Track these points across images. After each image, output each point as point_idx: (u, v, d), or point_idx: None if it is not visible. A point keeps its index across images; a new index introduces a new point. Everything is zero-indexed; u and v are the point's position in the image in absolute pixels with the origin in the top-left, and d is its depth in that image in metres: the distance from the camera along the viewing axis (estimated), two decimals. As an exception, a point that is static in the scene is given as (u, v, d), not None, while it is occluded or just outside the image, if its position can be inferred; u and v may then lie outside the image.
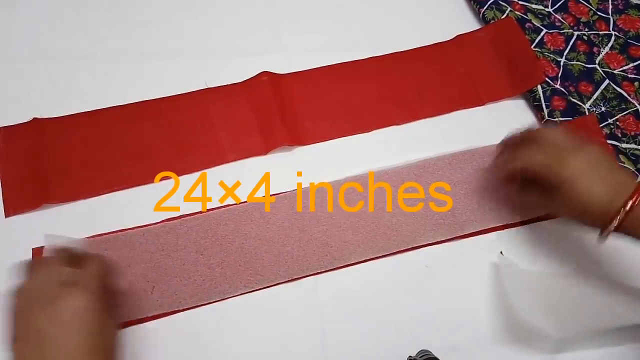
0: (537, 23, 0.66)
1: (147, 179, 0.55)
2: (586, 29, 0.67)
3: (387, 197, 0.55)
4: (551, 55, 0.64)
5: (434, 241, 0.54)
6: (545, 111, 0.61)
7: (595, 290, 0.51)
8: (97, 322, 0.38)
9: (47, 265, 0.40)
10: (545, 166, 0.46)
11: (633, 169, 0.58)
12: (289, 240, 0.53)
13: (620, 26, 0.68)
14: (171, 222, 0.52)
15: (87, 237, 0.51)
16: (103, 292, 0.40)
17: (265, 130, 0.58)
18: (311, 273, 0.52)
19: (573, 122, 0.60)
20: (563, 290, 0.52)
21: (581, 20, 0.67)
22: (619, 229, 0.44)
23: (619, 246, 0.47)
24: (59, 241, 0.49)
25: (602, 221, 0.44)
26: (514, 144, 0.51)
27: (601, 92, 0.63)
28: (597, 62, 0.65)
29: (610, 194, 0.44)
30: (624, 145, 0.60)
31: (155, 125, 0.57)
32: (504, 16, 0.66)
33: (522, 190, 0.50)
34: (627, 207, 0.43)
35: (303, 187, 0.55)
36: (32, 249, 0.50)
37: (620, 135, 0.61)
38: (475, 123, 0.62)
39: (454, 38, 0.66)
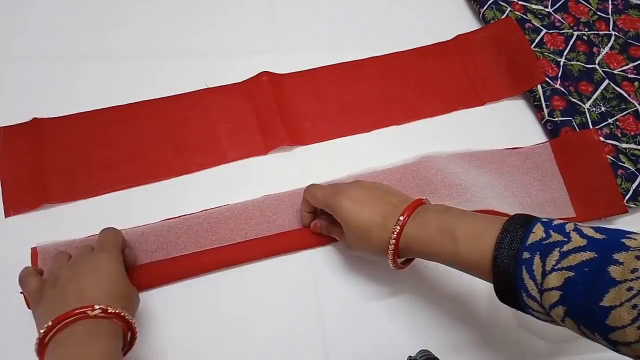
0: (537, 23, 0.66)
1: (147, 178, 0.55)
2: (586, 29, 0.67)
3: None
4: (551, 55, 0.64)
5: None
6: (545, 111, 0.61)
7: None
8: (120, 274, 0.44)
9: (77, 252, 0.47)
10: (323, 199, 0.48)
11: (633, 169, 0.58)
12: (289, 240, 0.53)
13: (620, 26, 0.68)
14: (171, 220, 0.52)
15: (87, 237, 0.51)
16: (120, 253, 0.46)
17: (265, 130, 0.58)
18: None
19: (574, 135, 0.59)
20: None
21: (581, 20, 0.67)
22: (403, 252, 0.44)
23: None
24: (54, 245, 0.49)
25: (382, 247, 0.44)
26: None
27: (601, 92, 0.63)
28: (597, 62, 0.65)
29: (385, 217, 0.44)
30: (624, 145, 0.60)
31: (155, 125, 0.57)
32: (503, 16, 0.66)
33: (325, 223, 0.52)
34: (396, 232, 0.43)
35: (302, 186, 0.55)
36: (32, 248, 0.49)
37: (620, 135, 0.61)
38: (475, 123, 0.62)
39: (454, 38, 0.66)
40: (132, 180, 0.55)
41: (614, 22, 0.68)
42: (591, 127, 0.61)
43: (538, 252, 0.36)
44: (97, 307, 0.40)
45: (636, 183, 0.58)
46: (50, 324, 0.39)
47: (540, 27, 0.66)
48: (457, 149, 0.58)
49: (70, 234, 0.50)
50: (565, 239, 0.36)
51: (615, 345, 0.34)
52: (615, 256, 0.34)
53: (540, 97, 0.61)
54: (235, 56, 0.62)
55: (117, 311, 0.41)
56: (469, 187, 0.55)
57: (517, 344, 0.52)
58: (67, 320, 0.39)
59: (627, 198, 0.57)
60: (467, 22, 0.68)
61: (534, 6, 0.67)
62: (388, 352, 0.50)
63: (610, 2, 0.69)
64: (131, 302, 0.45)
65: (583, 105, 0.62)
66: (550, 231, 0.37)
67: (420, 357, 0.47)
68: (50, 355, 0.39)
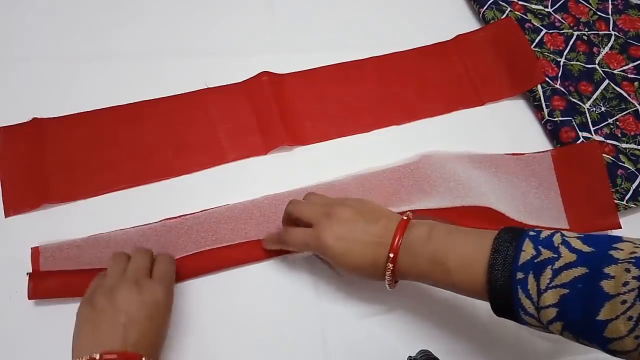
0: (536, 23, 0.66)
1: (147, 178, 0.55)
2: (586, 29, 0.67)
3: (386, 197, 0.55)
4: (551, 55, 0.64)
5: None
6: (545, 111, 0.61)
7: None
8: (164, 312, 0.45)
9: (138, 257, 0.47)
10: (305, 245, 0.47)
11: (633, 169, 0.59)
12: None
13: (620, 26, 0.68)
14: (171, 221, 0.52)
15: (88, 237, 0.51)
16: (171, 288, 0.47)
17: (265, 130, 0.58)
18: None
19: (577, 147, 0.59)
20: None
21: (581, 20, 0.67)
22: (399, 278, 0.45)
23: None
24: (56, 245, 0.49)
25: (377, 276, 0.45)
26: (287, 219, 0.51)
27: (601, 92, 0.63)
28: (597, 62, 0.65)
29: (374, 257, 0.44)
30: (624, 145, 0.60)
31: (155, 125, 0.57)
32: (503, 16, 0.66)
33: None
34: (389, 272, 0.43)
35: (302, 186, 0.55)
36: (32, 248, 0.49)
37: (620, 135, 0.61)
38: (475, 123, 0.62)
39: (454, 38, 0.66)
40: (132, 180, 0.55)
41: (614, 22, 0.68)
42: (591, 127, 0.61)
43: (531, 272, 0.37)
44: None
45: (636, 183, 0.58)
46: (97, 357, 0.39)
47: (540, 27, 0.66)
48: (457, 149, 0.58)
49: (71, 234, 0.50)
50: (556, 255, 0.36)
51: (614, 354, 0.35)
52: (606, 270, 0.34)
53: (540, 97, 0.61)
54: (235, 56, 0.62)
55: None
56: (468, 183, 0.55)
57: (517, 343, 0.52)
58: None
59: (627, 198, 0.57)
60: (467, 22, 0.68)
61: (534, 6, 0.67)
62: (388, 352, 0.50)
63: (610, 2, 0.69)
64: (162, 337, 0.45)
65: (583, 105, 0.62)
66: (540, 247, 0.38)
67: (420, 357, 0.47)
68: None
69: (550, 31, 0.66)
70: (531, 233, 0.39)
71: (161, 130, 0.57)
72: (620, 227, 0.56)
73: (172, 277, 0.48)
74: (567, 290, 0.35)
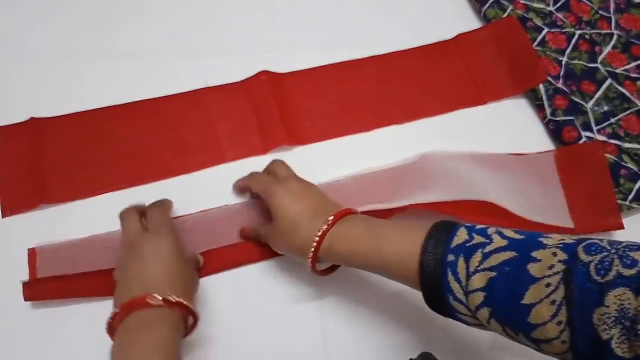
0: (538, 22, 0.66)
1: (146, 178, 0.55)
2: (588, 28, 0.66)
3: (386, 196, 0.55)
4: (553, 55, 0.64)
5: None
6: (548, 110, 0.61)
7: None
8: (177, 256, 0.44)
9: (127, 217, 0.47)
10: (264, 185, 0.49)
11: (636, 169, 0.58)
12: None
13: (622, 25, 0.67)
14: (170, 221, 0.52)
15: (87, 236, 0.51)
16: (174, 233, 0.46)
17: (264, 130, 0.58)
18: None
19: (579, 147, 0.59)
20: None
21: (583, 19, 0.67)
22: (326, 255, 0.44)
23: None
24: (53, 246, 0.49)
25: (305, 245, 0.44)
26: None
27: (603, 92, 0.62)
28: (599, 61, 0.64)
29: (314, 215, 0.45)
30: (627, 145, 0.60)
31: (155, 125, 0.57)
32: (505, 15, 0.65)
33: (254, 226, 0.52)
34: (321, 231, 0.43)
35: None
36: (29, 249, 0.49)
37: (622, 135, 0.60)
38: (476, 122, 0.62)
39: (455, 37, 0.65)
40: (130, 180, 0.54)
41: (615, 21, 0.67)
42: (594, 126, 0.60)
43: (462, 254, 0.37)
44: (158, 296, 0.40)
45: (639, 183, 0.57)
46: (118, 310, 0.41)
47: (542, 26, 0.66)
48: (459, 148, 0.58)
49: (68, 234, 0.50)
50: (487, 241, 0.37)
51: (538, 344, 0.34)
52: (534, 254, 0.34)
53: (542, 97, 0.61)
54: (235, 56, 0.62)
55: (177, 300, 0.41)
56: (470, 180, 0.55)
57: (517, 346, 0.51)
58: (131, 308, 0.40)
59: (630, 198, 0.57)
60: (468, 21, 0.68)
61: (535, 5, 0.67)
62: (389, 355, 0.50)
63: (612, 1, 0.69)
64: (190, 283, 0.45)
65: (585, 105, 0.61)
66: (473, 234, 0.38)
67: (421, 359, 0.46)
68: (116, 339, 0.41)
69: (552, 30, 0.66)
70: (467, 224, 0.40)
71: (160, 130, 0.57)
72: (623, 228, 0.55)
73: (166, 221, 0.47)
74: (495, 273, 0.35)
